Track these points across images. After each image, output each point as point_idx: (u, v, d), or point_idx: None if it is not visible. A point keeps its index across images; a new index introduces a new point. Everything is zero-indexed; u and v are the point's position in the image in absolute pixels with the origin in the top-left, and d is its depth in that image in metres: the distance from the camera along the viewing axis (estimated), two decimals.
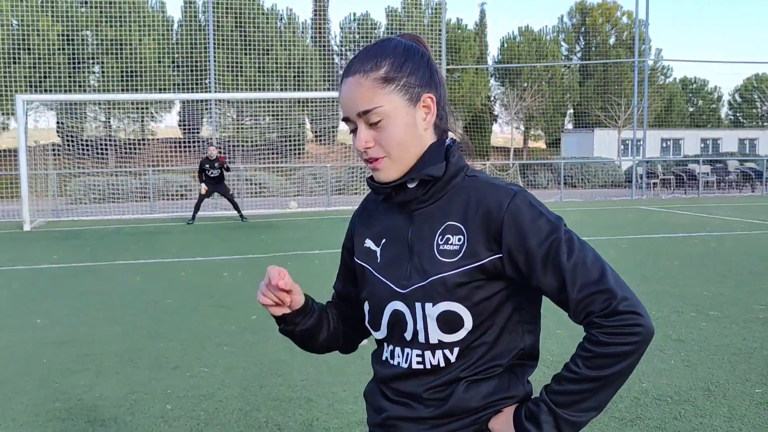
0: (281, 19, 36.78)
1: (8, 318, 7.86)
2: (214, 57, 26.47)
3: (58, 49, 31.42)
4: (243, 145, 32.10)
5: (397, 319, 1.70)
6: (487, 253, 1.61)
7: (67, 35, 31.84)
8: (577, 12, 48.85)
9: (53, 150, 25.45)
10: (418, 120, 1.66)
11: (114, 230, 17.09)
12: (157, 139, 35.59)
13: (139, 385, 5.52)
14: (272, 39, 34.31)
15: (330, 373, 5.73)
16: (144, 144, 33.31)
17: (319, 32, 38.65)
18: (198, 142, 30.63)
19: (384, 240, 1.77)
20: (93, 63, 33.99)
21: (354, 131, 1.67)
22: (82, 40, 32.57)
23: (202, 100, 30.35)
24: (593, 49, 47.77)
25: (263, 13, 35.13)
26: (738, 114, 52.86)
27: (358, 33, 40.72)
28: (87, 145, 28.03)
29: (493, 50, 59.41)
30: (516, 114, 43.27)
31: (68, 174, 24.82)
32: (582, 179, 30.58)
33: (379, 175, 1.67)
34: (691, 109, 52.43)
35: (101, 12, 31.86)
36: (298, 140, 32.25)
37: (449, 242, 1.66)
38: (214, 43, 26.73)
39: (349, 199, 24.65)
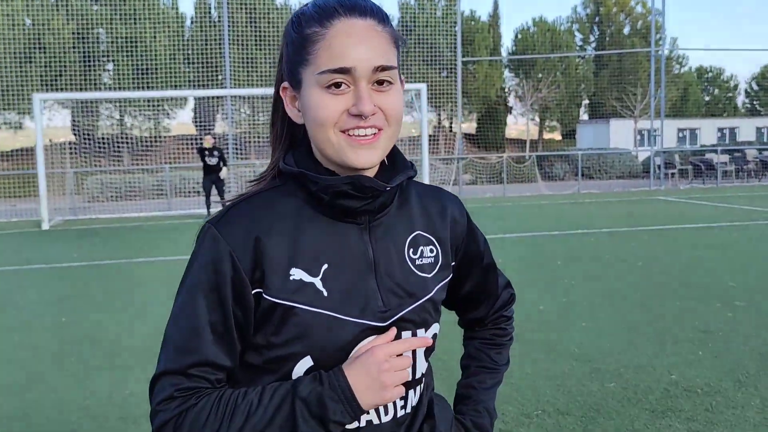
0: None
1: (36, 317, 7.90)
2: (229, 53, 26.53)
3: (72, 48, 31.57)
4: (257, 141, 32.23)
5: None
6: (451, 262, 1.47)
7: (80, 33, 32.01)
8: (590, 2, 48.63)
9: (70, 148, 25.56)
10: None
11: (132, 228, 17.15)
12: (172, 136, 35.75)
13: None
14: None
15: None
16: (159, 141, 33.48)
17: None
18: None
19: (326, 266, 1.29)
20: (106, 60, 34.15)
21: (337, 86, 1.23)
22: (95, 38, 32.73)
23: (215, 97, 30.39)
24: (607, 38, 47.56)
25: (276, 8, 35.16)
26: (755, 102, 52.49)
27: None
28: (103, 143, 28.16)
29: (507, 42, 59.48)
30: (531, 105, 43.18)
31: (84, 172, 24.94)
32: (599, 170, 30.45)
33: (371, 155, 1.25)
34: (707, 98, 52.16)
35: (114, 10, 31.97)
36: None
37: (424, 255, 1.39)
38: (229, 39, 26.78)
39: None
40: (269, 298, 1.26)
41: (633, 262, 10.07)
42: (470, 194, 23.23)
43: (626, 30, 47.74)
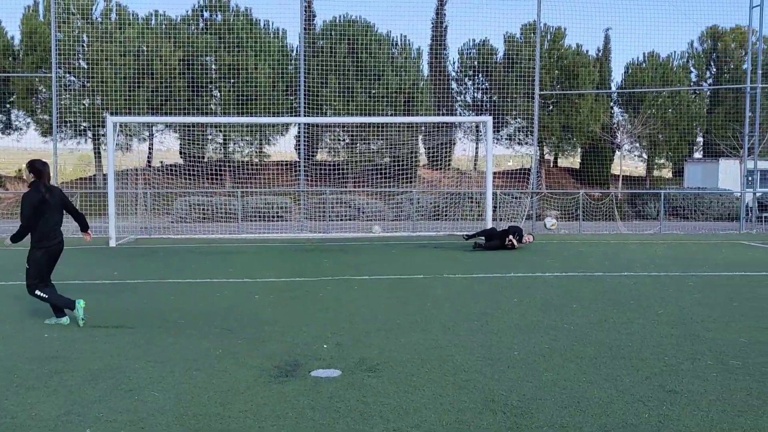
0: (395, 46, 37.14)
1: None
2: (323, 83, 26.91)
3: (179, 75, 32.88)
4: (354, 170, 32.69)
5: None
6: None
7: (188, 61, 33.38)
8: (707, 37, 46.76)
9: (177, 170, 26.50)
10: None
11: (188, 249, 17.42)
12: (273, 162, 36.44)
13: (80, 406, 5.51)
14: (384, 65, 34.82)
15: (262, 409, 5.54)
16: (259, 167, 34.25)
17: (436, 58, 39.08)
18: (309, 166, 31.26)
19: None
20: (212, 88, 35.35)
21: None
22: (201, 65, 34.01)
23: (315, 125, 30.94)
24: (726, 75, 45.48)
25: (378, 40, 35.66)
26: None
27: (477, 59, 40.75)
28: (207, 166, 29.02)
29: (616, 76, 58.19)
30: (636, 141, 41.77)
31: (173, 193, 25.74)
32: (695, 211, 29.00)
33: None
34: None
35: (221, 39, 33.29)
36: (410, 165, 32.58)
37: None
38: (325, 71, 27.17)
39: (433, 225, 23.99)
40: None
41: (654, 309, 9.41)
42: (543, 230, 22.46)
43: (746, 66, 45.44)
